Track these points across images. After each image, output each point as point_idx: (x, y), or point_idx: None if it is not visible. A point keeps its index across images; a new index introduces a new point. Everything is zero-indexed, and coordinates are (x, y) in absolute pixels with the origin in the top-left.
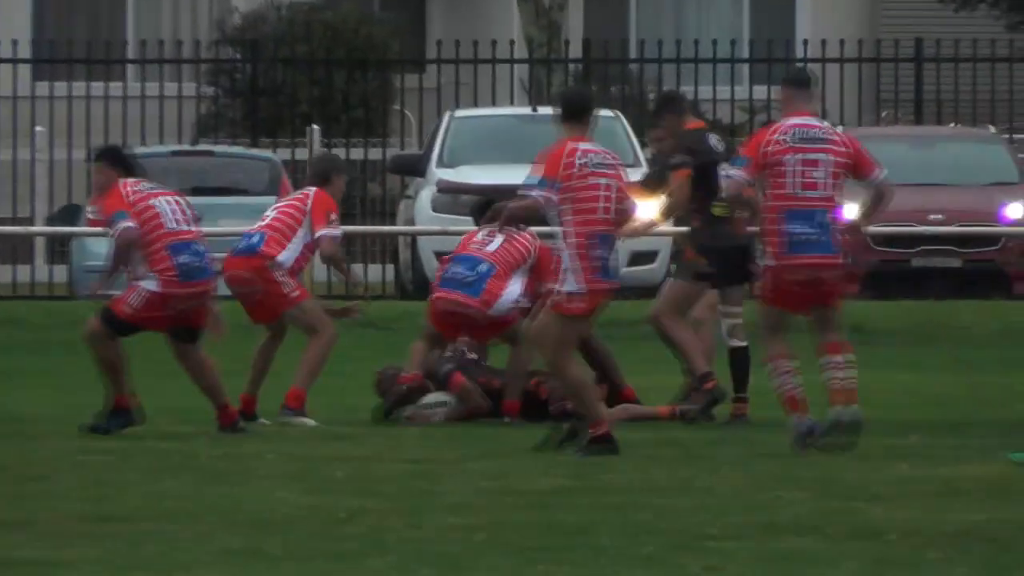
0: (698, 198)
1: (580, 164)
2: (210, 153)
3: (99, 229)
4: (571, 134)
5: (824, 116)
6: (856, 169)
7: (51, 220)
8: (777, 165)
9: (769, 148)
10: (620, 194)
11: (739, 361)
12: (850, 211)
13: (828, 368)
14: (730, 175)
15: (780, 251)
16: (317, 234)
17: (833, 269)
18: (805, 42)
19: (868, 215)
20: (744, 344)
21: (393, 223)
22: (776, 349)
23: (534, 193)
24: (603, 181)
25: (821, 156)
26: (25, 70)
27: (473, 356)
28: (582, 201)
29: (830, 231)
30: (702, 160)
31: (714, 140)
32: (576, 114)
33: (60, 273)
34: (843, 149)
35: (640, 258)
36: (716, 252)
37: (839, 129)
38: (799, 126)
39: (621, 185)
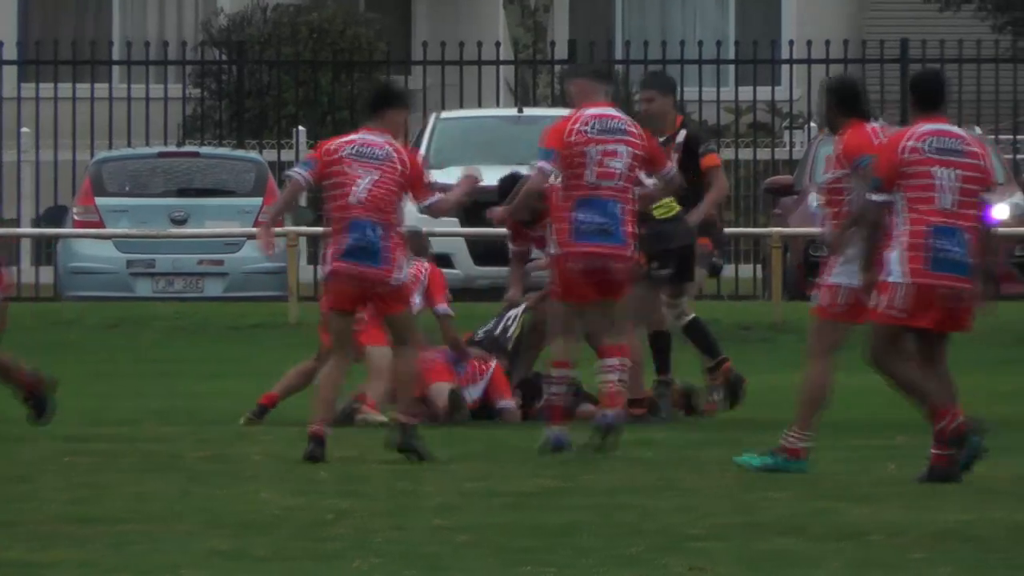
0: None
1: (334, 149)
2: (196, 154)
3: (86, 231)
4: (369, 126)
5: (810, 118)
6: (651, 163)
7: (37, 221)
8: (579, 156)
9: (572, 138)
10: (388, 187)
11: (696, 332)
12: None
13: (604, 371)
14: (538, 166)
15: (567, 239)
16: (439, 311)
17: (619, 260)
18: (791, 43)
19: (648, 198)
20: (692, 316)
21: None
22: (561, 354)
23: (294, 172)
24: (368, 173)
25: (620, 147)
26: (11, 71)
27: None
28: (336, 187)
29: (621, 222)
30: None
31: None
32: (371, 106)
33: (46, 274)
34: (640, 142)
35: None
36: (666, 254)
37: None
38: (600, 116)
39: (401, 181)
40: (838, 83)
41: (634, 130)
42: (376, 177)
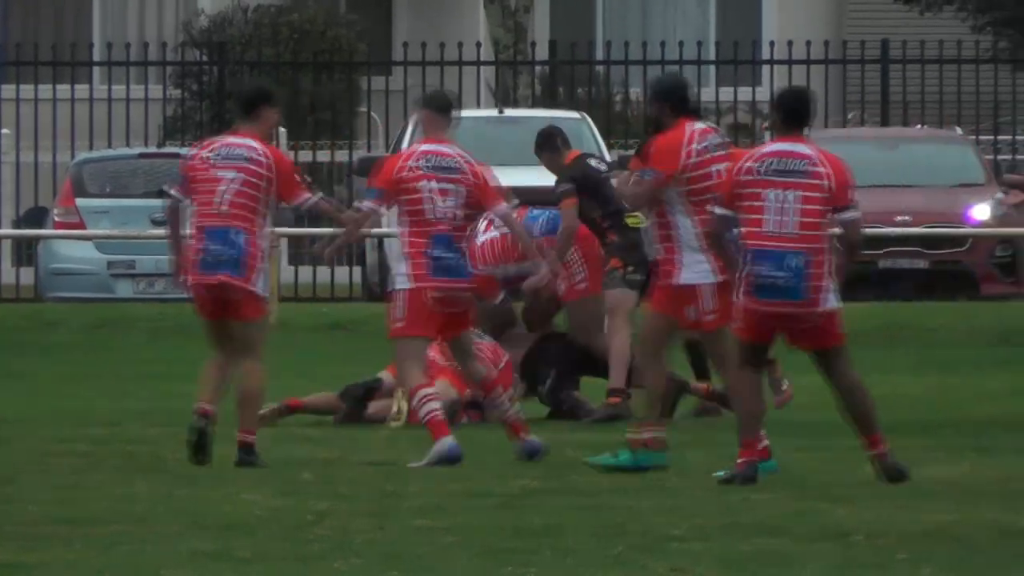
0: (606, 216)
1: (202, 157)
2: (176, 155)
3: (66, 232)
4: (242, 127)
5: None
6: (481, 200)
7: (18, 223)
8: (412, 192)
9: (403, 175)
10: (251, 189)
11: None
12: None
13: (499, 406)
14: (361, 207)
15: (423, 273)
16: None
17: (465, 293)
18: (771, 43)
19: (527, 248)
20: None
21: None
22: (416, 379)
23: (168, 190)
24: (228, 175)
25: (451, 186)
26: None
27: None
28: (200, 194)
29: (463, 258)
30: (586, 184)
31: (594, 162)
32: (245, 106)
33: (27, 276)
34: (472, 180)
35: None
36: (643, 261)
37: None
38: (431, 153)
39: (264, 182)
40: (669, 85)
41: (466, 168)
42: (239, 178)
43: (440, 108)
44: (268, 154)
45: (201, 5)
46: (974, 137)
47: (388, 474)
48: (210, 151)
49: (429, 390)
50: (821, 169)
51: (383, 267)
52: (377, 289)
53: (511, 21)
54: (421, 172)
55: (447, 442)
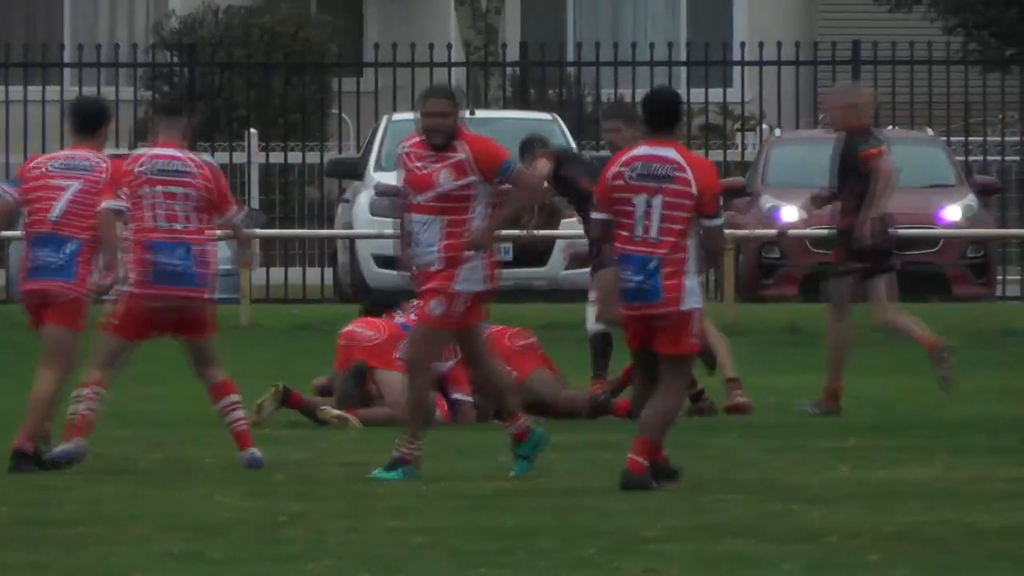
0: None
1: (36, 166)
2: None
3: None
4: (83, 142)
5: (762, 119)
6: (215, 205)
7: None
8: (136, 196)
9: (128, 180)
10: (89, 196)
11: (604, 345)
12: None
13: (229, 409)
14: (109, 207)
15: (142, 279)
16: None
17: (196, 302)
18: (742, 45)
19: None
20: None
21: (331, 227)
22: (96, 376)
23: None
24: (64, 183)
25: (178, 190)
26: None
27: None
28: (35, 202)
29: (196, 264)
30: (566, 156)
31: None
32: (89, 124)
33: None
34: (203, 183)
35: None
36: None
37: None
38: (157, 157)
39: (93, 188)
40: (448, 90)
41: (197, 171)
42: (78, 187)
43: (168, 111)
44: (106, 160)
45: (172, 6)
46: (945, 138)
47: (360, 475)
48: (48, 159)
49: (89, 391)
50: (687, 175)
51: (354, 268)
52: (348, 290)
53: (482, 23)
54: (145, 178)
55: (76, 444)
